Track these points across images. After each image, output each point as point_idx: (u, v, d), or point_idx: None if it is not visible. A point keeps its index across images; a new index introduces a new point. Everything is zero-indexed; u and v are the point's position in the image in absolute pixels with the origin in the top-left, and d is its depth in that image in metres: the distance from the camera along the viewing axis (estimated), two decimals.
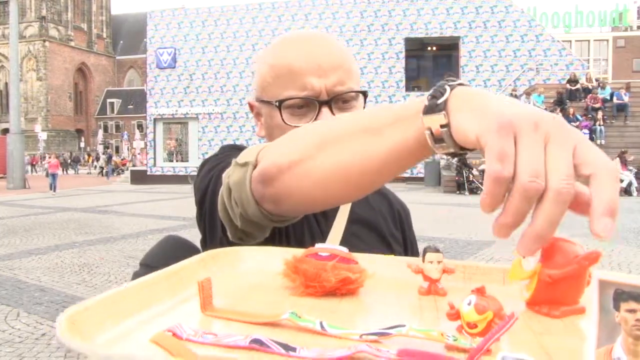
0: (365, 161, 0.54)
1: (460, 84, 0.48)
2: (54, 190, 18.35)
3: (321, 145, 0.56)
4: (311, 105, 0.78)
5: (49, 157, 21.07)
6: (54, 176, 18.86)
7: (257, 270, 0.62)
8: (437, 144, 0.48)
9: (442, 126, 0.46)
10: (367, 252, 0.85)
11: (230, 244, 0.70)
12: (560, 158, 0.39)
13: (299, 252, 0.56)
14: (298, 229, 0.83)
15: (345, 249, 0.56)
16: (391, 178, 0.56)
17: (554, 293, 0.48)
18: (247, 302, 0.53)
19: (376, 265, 0.61)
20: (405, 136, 0.50)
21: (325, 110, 0.78)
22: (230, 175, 0.66)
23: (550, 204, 0.41)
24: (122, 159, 40.33)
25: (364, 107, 0.86)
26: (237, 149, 0.82)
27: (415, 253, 0.98)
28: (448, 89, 0.48)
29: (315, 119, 0.78)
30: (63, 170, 38.16)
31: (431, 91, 0.49)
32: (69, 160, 42.51)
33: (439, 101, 0.47)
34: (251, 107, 0.90)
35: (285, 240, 0.81)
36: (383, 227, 0.92)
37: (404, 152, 0.51)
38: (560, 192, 0.40)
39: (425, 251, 0.56)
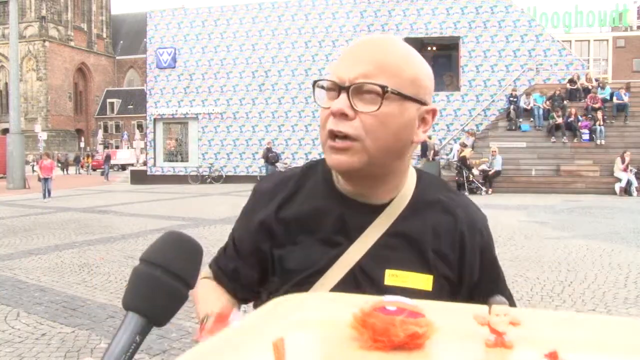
0: None
1: None
2: (49, 196, 15.61)
3: None
4: (336, 90, 0.84)
5: (42, 158, 16.91)
6: (46, 181, 15.72)
7: (323, 321, 0.63)
8: None
9: None
10: (398, 265, 0.86)
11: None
12: None
13: (365, 303, 0.57)
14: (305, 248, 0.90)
15: (411, 301, 0.58)
16: None
17: None
18: (318, 355, 0.55)
19: (442, 314, 0.60)
20: None
21: (342, 95, 0.82)
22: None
23: None
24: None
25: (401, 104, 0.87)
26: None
27: (474, 276, 0.92)
28: None
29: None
30: (63, 169, 37.93)
31: None
32: (72, 160, 42.38)
33: None
34: None
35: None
36: (428, 243, 0.88)
37: None
38: None
39: (491, 302, 0.56)
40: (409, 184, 0.92)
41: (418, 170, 0.97)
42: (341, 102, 0.82)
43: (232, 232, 1.03)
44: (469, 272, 0.91)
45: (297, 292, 0.86)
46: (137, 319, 0.67)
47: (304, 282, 0.88)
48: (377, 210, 0.89)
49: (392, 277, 0.86)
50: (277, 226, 0.92)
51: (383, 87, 0.81)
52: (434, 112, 0.89)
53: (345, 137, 0.82)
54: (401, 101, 0.83)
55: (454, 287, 0.90)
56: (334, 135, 0.83)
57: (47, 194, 15.56)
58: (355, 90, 0.82)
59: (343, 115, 0.82)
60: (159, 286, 0.68)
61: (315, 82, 0.88)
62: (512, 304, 0.96)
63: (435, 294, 0.86)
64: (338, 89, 0.83)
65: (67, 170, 39.38)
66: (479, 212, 0.97)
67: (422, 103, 0.86)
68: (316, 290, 0.87)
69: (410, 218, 0.89)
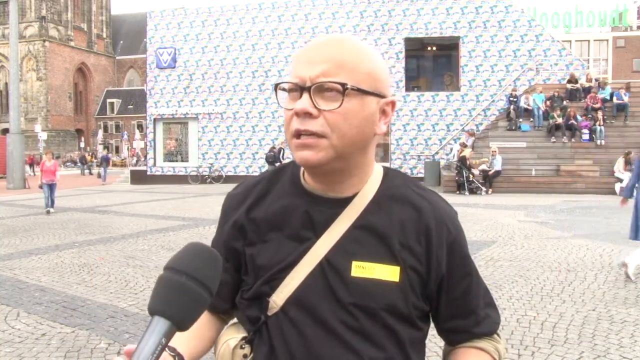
0: None
1: None
2: (52, 207, 12.32)
3: None
4: (298, 90, 0.86)
5: (44, 159, 13.25)
6: (50, 187, 12.32)
7: None
8: None
9: None
10: (365, 257, 0.87)
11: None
12: None
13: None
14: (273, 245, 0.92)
15: None
16: None
17: None
18: None
19: None
20: None
21: (305, 95, 0.84)
22: None
23: None
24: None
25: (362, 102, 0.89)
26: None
27: (441, 269, 0.91)
28: None
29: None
30: (83, 171, 36.96)
31: None
32: (76, 160, 41.87)
33: None
34: None
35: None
36: (394, 235, 0.89)
37: None
38: None
39: None
40: (374, 179, 0.93)
41: (385, 167, 0.98)
42: (304, 102, 0.84)
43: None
44: (436, 264, 0.90)
45: (268, 288, 0.89)
46: (162, 323, 0.71)
47: (273, 277, 0.90)
48: (342, 204, 0.91)
49: (359, 268, 0.87)
50: (249, 225, 0.96)
51: (343, 85, 0.84)
52: (393, 104, 0.91)
53: (311, 134, 0.84)
54: (361, 96, 0.86)
55: (423, 279, 0.90)
56: (299, 133, 0.85)
57: (50, 203, 12.28)
58: (316, 89, 0.84)
59: (307, 114, 0.84)
60: (185, 292, 0.73)
61: (276, 85, 0.90)
62: (489, 314, 0.96)
63: (403, 285, 0.87)
64: (300, 89, 0.85)
65: (89, 170, 37.68)
66: (446, 207, 0.96)
67: (381, 96, 0.89)
68: (286, 285, 0.88)
69: (376, 211, 0.91)
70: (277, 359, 0.88)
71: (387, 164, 21.81)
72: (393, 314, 0.87)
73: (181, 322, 0.73)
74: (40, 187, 12.51)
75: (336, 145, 0.85)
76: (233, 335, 0.95)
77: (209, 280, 0.75)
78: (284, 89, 0.89)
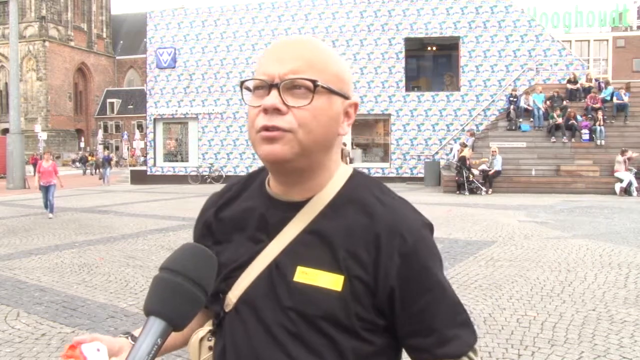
0: None
1: None
2: (51, 211, 11.50)
3: None
4: (266, 87, 0.86)
5: (42, 159, 12.44)
6: (47, 189, 11.46)
7: None
8: None
9: None
10: (310, 263, 0.86)
11: None
12: None
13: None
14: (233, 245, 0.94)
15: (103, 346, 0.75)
16: None
17: None
18: None
19: None
20: None
21: (273, 92, 0.85)
22: None
23: None
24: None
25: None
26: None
27: (389, 281, 0.84)
28: None
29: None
30: (96, 169, 36.44)
31: None
32: (77, 161, 41.76)
33: None
34: None
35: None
36: (340, 243, 0.86)
37: None
38: None
39: None
40: (335, 182, 0.91)
41: (355, 171, 0.96)
42: (273, 98, 0.84)
43: None
44: (384, 275, 0.84)
45: (224, 285, 0.91)
46: (158, 323, 0.72)
47: (230, 275, 0.91)
48: (297, 207, 0.90)
49: (302, 274, 0.86)
50: (216, 225, 0.99)
51: (314, 82, 0.85)
52: (355, 106, 0.92)
53: (278, 129, 0.84)
54: (329, 95, 0.87)
55: (371, 290, 0.84)
56: (266, 129, 0.85)
57: (49, 208, 11.50)
58: (285, 86, 0.85)
59: (276, 111, 0.84)
60: (180, 292, 0.74)
61: (242, 82, 0.91)
62: (459, 334, 0.87)
63: (345, 295, 0.84)
64: (268, 86, 0.86)
65: (91, 171, 37.14)
66: (409, 215, 0.89)
67: (346, 97, 0.90)
68: (239, 284, 0.90)
69: (328, 216, 0.89)
70: (227, 354, 0.89)
71: (387, 165, 21.71)
72: (333, 323, 0.84)
73: (177, 323, 0.73)
74: (39, 189, 11.76)
75: (301, 141, 0.85)
76: (204, 328, 0.96)
77: (204, 280, 0.76)
78: (248, 88, 0.90)
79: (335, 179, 0.92)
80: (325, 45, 0.91)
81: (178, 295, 0.73)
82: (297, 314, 0.85)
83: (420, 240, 0.87)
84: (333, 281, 0.84)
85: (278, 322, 0.85)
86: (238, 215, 0.96)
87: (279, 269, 0.88)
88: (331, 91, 0.87)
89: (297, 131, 0.84)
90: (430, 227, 0.91)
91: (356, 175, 0.95)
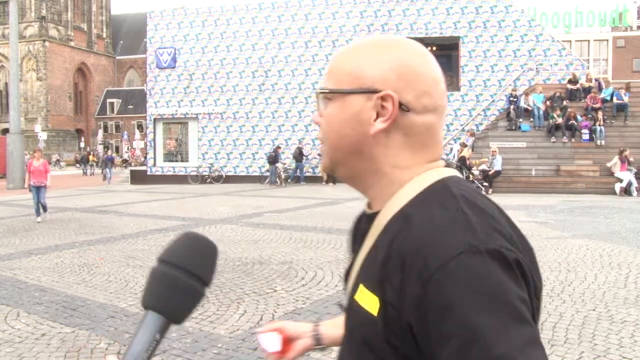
0: None
1: None
2: (44, 211, 10.97)
3: None
4: None
5: (32, 157, 11.72)
6: (38, 190, 10.78)
7: None
8: None
9: None
10: (366, 281, 0.78)
11: None
12: None
13: None
14: None
15: None
16: None
17: None
18: None
19: None
20: None
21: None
22: None
23: None
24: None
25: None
26: None
27: (407, 316, 0.68)
28: None
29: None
30: (103, 169, 36.22)
31: None
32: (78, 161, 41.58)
33: None
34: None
35: None
36: (383, 261, 0.75)
37: None
38: None
39: None
40: (405, 193, 0.79)
41: (441, 179, 0.80)
42: (314, 114, 0.89)
43: None
44: (406, 306, 0.69)
45: (343, 287, 0.92)
46: (156, 318, 0.70)
47: (345, 280, 0.93)
48: (371, 219, 0.84)
49: (360, 292, 0.78)
50: (350, 237, 0.98)
51: (322, 91, 0.85)
52: (391, 97, 0.78)
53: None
54: (342, 98, 0.82)
55: (400, 320, 0.70)
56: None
57: (40, 210, 10.81)
58: (318, 99, 0.87)
59: (317, 124, 0.89)
60: (178, 286, 0.71)
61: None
62: None
63: (381, 321, 0.72)
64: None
65: (92, 171, 36.50)
66: (447, 234, 0.69)
67: (370, 92, 0.80)
68: (347, 293, 0.90)
69: (387, 230, 0.80)
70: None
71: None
72: (369, 349, 0.75)
73: (176, 317, 0.71)
74: (30, 190, 10.98)
75: (327, 150, 0.87)
76: None
77: (203, 272, 0.73)
78: None
79: (407, 189, 0.80)
80: (356, 42, 0.85)
81: (176, 289, 0.71)
82: (349, 334, 0.82)
83: (450, 268, 0.65)
84: (372, 304, 0.74)
85: (345, 337, 0.86)
86: (356, 225, 0.97)
87: (355, 284, 0.84)
88: (342, 93, 0.82)
89: (325, 141, 0.87)
90: (490, 253, 0.66)
91: (436, 183, 0.79)
